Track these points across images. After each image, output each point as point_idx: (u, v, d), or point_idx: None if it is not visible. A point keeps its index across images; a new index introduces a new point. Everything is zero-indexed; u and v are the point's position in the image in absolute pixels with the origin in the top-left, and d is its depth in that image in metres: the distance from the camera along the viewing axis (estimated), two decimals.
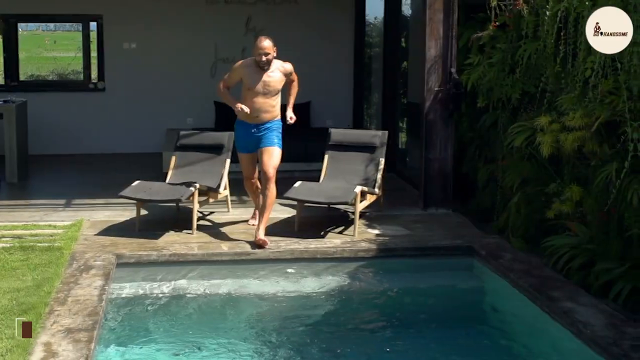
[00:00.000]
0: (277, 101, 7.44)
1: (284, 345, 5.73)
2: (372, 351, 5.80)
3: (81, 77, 12.90)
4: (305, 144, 10.64)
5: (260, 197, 7.44)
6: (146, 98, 12.33)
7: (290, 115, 7.51)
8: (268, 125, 7.41)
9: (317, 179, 8.34)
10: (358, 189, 7.68)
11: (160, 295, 6.61)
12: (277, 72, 7.39)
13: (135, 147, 12.21)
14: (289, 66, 7.50)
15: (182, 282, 6.80)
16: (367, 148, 8.47)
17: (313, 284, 6.90)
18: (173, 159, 8.44)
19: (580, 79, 6.35)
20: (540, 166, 7.11)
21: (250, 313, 6.43)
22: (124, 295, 6.53)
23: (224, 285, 6.83)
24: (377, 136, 8.56)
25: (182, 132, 8.78)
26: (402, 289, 7.00)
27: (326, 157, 8.52)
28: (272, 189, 7.33)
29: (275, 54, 7.33)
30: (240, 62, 7.58)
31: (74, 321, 5.38)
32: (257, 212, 7.68)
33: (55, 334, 5.15)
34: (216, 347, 5.69)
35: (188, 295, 6.65)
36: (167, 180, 8.17)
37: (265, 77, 7.31)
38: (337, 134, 8.69)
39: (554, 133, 6.56)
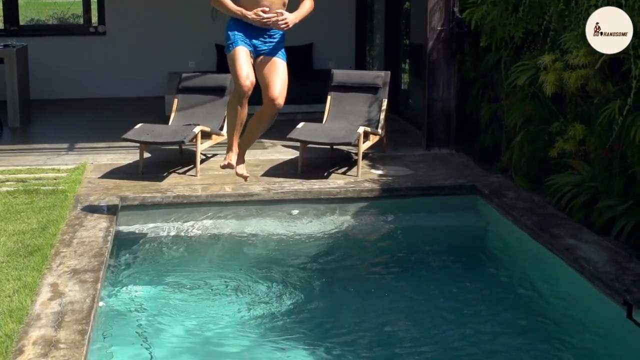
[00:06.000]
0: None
1: (288, 284, 5.78)
2: (376, 289, 5.86)
3: (81, 21, 12.78)
4: (307, 86, 10.59)
5: (257, 121, 5.82)
6: (147, 41, 12.23)
7: (288, 19, 5.55)
8: (276, 33, 5.70)
9: (320, 121, 8.34)
10: (361, 129, 7.67)
11: (164, 236, 6.66)
12: None
13: (137, 91, 12.15)
14: None
15: (186, 224, 6.85)
16: (370, 89, 8.46)
17: (317, 224, 6.94)
18: (175, 101, 8.45)
19: (584, 16, 6.28)
20: (543, 105, 7.08)
21: (253, 253, 6.48)
22: (128, 237, 6.59)
23: (228, 226, 6.87)
24: (379, 77, 8.54)
25: (184, 75, 8.76)
26: (405, 228, 7.04)
27: (329, 98, 8.51)
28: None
29: None
30: None
31: (79, 262, 5.42)
32: (232, 153, 5.89)
33: (62, 275, 5.19)
34: (220, 286, 5.75)
35: (192, 236, 6.70)
36: (169, 123, 8.17)
37: None
38: (340, 75, 8.67)
39: (557, 71, 6.52)
